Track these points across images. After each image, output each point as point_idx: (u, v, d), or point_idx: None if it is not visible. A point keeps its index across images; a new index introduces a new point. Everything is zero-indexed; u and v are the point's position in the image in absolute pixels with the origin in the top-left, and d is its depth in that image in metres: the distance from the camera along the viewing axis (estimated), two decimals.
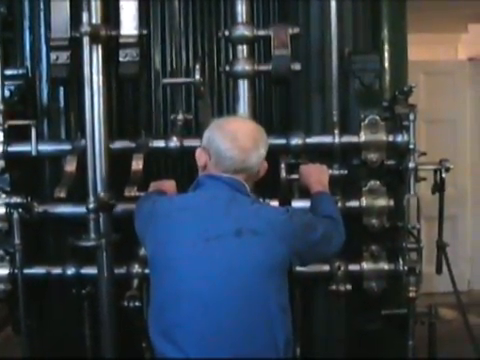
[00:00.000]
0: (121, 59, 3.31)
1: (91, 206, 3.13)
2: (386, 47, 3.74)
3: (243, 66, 3.26)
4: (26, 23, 3.60)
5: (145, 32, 3.37)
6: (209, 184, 2.56)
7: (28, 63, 3.60)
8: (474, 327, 3.75)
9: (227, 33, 3.29)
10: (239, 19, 3.27)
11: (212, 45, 3.61)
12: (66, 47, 3.31)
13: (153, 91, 3.60)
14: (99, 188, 3.13)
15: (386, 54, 3.74)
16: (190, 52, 3.60)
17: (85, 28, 3.06)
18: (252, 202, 2.57)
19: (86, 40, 3.06)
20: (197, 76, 3.20)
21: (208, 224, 2.47)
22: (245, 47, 3.27)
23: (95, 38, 3.11)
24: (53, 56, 3.32)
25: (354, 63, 3.48)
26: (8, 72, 3.46)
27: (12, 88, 3.50)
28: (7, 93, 3.46)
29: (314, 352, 3.50)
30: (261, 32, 3.30)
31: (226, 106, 3.59)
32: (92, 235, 3.16)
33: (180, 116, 3.36)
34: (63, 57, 3.31)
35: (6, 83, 3.42)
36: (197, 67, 3.22)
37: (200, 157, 2.61)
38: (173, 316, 2.45)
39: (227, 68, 3.31)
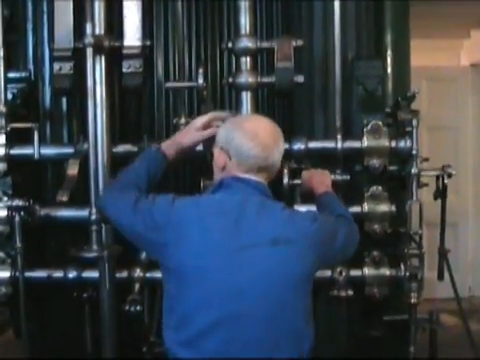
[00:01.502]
0: (124, 70, 3.30)
1: (93, 218, 3.13)
2: (389, 53, 3.75)
3: (246, 78, 3.25)
4: (29, 26, 3.60)
5: (148, 43, 3.36)
6: (236, 187, 2.47)
7: (31, 66, 3.61)
8: (475, 333, 3.73)
9: (230, 45, 3.27)
10: (242, 31, 3.26)
11: (215, 51, 3.61)
12: (69, 58, 3.30)
13: (156, 96, 3.60)
14: None
15: (389, 60, 3.75)
16: (193, 58, 3.60)
17: (88, 39, 3.05)
18: (282, 208, 2.50)
19: (89, 51, 3.06)
20: (200, 80, 3.19)
21: (243, 231, 2.38)
22: (248, 59, 3.26)
23: (98, 49, 3.10)
24: (56, 66, 3.31)
25: (357, 69, 3.49)
26: (11, 75, 3.46)
27: (15, 91, 3.51)
28: (10, 96, 3.46)
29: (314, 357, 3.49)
30: (264, 44, 3.28)
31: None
32: (94, 246, 3.16)
33: (183, 120, 3.35)
34: (66, 68, 3.30)
35: (9, 86, 3.42)
36: (200, 71, 3.22)
37: (218, 158, 2.52)
38: (201, 325, 2.35)
39: (230, 80, 3.29)
